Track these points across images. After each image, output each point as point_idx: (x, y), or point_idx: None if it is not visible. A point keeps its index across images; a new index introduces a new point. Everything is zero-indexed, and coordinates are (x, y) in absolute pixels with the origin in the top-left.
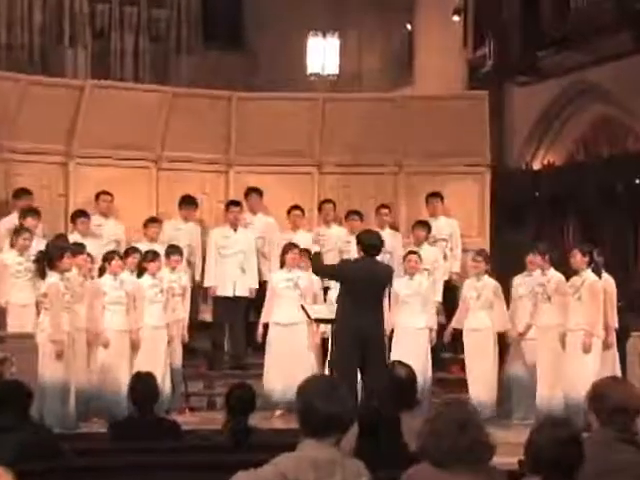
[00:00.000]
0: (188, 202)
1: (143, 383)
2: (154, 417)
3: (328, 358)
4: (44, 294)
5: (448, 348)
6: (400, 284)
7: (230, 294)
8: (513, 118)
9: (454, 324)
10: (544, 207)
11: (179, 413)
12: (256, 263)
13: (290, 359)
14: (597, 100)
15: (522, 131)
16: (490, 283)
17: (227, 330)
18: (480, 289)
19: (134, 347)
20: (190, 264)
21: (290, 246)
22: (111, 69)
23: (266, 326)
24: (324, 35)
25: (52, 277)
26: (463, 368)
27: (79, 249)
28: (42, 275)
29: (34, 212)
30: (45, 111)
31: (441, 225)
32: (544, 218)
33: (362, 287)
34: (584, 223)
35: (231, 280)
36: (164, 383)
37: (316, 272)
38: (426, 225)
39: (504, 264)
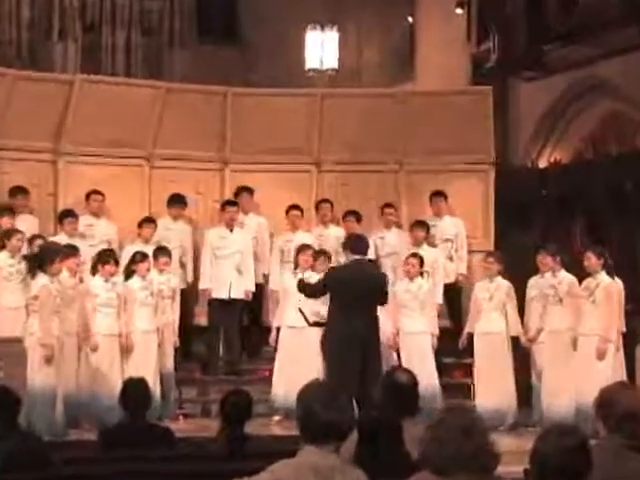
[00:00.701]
0: (177, 200)
1: (134, 388)
2: (146, 424)
3: (323, 365)
4: (35, 296)
5: (457, 353)
6: (400, 287)
7: (225, 297)
8: (518, 114)
9: (468, 328)
10: (551, 207)
11: (172, 420)
12: (252, 264)
13: (299, 364)
14: (605, 96)
15: (528, 128)
16: (503, 284)
17: (222, 334)
18: (493, 290)
19: (125, 351)
20: (182, 265)
21: (304, 247)
22: (102, 64)
23: (278, 329)
24: (322, 29)
25: (43, 279)
26: (467, 373)
27: (72, 252)
28: (32, 275)
29: (9, 211)
30: (33, 107)
31: (446, 225)
32: (551, 218)
33: (352, 291)
34: (592, 223)
35: (227, 282)
36: (155, 389)
37: (310, 296)
38: (425, 225)
39: (510, 266)
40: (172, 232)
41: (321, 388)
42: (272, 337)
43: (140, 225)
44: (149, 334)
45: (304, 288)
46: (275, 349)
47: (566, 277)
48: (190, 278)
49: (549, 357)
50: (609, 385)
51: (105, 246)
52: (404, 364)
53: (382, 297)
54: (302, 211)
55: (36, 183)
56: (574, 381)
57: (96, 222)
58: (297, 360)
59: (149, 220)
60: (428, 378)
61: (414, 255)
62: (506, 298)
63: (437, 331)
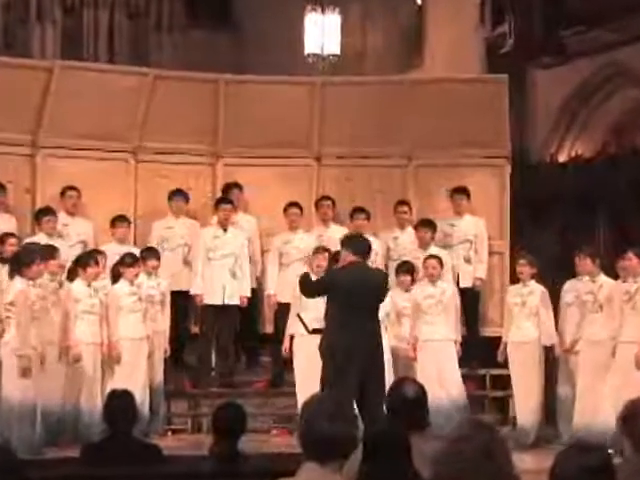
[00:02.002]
0: (178, 194)
1: (119, 401)
2: (132, 440)
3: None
4: (10, 302)
5: (470, 363)
6: (420, 292)
7: (219, 302)
8: (536, 104)
9: (505, 337)
10: (571, 205)
11: (160, 436)
12: (248, 267)
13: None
14: (630, 84)
15: (546, 119)
16: (537, 289)
17: (215, 343)
18: (525, 296)
19: (109, 362)
20: (187, 264)
21: (319, 250)
22: (83, 49)
23: (291, 338)
24: (323, 11)
25: (20, 283)
26: (480, 385)
27: (52, 253)
28: (12, 279)
29: None
30: (9, 96)
31: (466, 225)
32: (571, 217)
33: (355, 296)
34: (616, 223)
35: (220, 286)
36: (144, 402)
37: (306, 294)
38: (431, 225)
39: None
40: (174, 230)
41: (325, 400)
42: (285, 346)
43: (113, 224)
44: (138, 343)
45: (305, 284)
46: (277, 359)
47: (606, 282)
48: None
49: (586, 370)
50: (634, 398)
51: (81, 246)
52: (422, 375)
53: (382, 295)
54: (302, 209)
55: (11, 179)
56: (612, 393)
57: (71, 221)
58: (316, 369)
59: (122, 218)
60: (456, 389)
61: (432, 257)
62: (540, 304)
63: (460, 338)
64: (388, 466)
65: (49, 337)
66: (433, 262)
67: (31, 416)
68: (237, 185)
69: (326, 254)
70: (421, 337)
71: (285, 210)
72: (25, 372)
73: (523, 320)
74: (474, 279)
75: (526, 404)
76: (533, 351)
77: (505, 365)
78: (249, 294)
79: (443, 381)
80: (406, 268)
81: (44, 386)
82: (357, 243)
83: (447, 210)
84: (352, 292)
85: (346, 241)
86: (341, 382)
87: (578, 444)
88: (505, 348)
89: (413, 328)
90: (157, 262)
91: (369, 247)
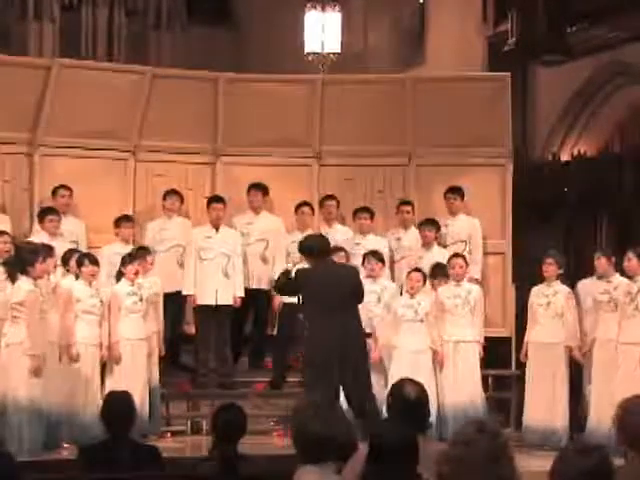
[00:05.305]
0: (173, 194)
1: (117, 402)
2: (130, 442)
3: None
4: (19, 302)
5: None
6: (445, 292)
7: (212, 303)
8: (539, 102)
9: (527, 337)
10: (574, 204)
11: (159, 438)
12: (242, 268)
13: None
14: (635, 82)
15: (549, 117)
16: (562, 290)
17: (212, 344)
18: (551, 296)
19: (111, 362)
20: (182, 267)
21: (336, 250)
22: (82, 47)
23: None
24: (323, 8)
25: (27, 283)
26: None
27: (49, 252)
28: (13, 279)
29: None
30: (6, 94)
31: (460, 225)
32: (574, 217)
33: (329, 293)
34: (619, 223)
35: (212, 287)
36: (143, 403)
37: (279, 291)
38: (434, 224)
39: (527, 269)
40: (167, 231)
41: (315, 403)
42: None
43: (117, 224)
44: (138, 344)
45: (279, 280)
46: (279, 360)
47: (622, 282)
48: None
49: (599, 370)
50: (628, 397)
51: (73, 246)
52: (441, 376)
53: (358, 294)
54: (313, 209)
55: (9, 178)
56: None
57: (63, 220)
58: None
59: (127, 218)
60: (473, 394)
61: (457, 255)
62: (565, 304)
63: (483, 340)
64: (393, 468)
65: (49, 337)
66: (459, 261)
67: (40, 416)
68: (260, 186)
69: (342, 254)
70: (445, 337)
71: (296, 209)
72: (37, 372)
73: (548, 321)
74: (469, 280)
75: (552, 407)
76: (557, 352)
77: (507, 366)
78: (242, 294)
79: (462, 383)
80: (445, 271)
81: (45, 386)
82: (317, 243)
83: (444, 209)
84: (324, 290)
85: (304, 243)
86: (323, 383)
87: (577, 445)
88: (527, 349)
89: (439, 330)
90: (151, 260)
91: (328, 245)
